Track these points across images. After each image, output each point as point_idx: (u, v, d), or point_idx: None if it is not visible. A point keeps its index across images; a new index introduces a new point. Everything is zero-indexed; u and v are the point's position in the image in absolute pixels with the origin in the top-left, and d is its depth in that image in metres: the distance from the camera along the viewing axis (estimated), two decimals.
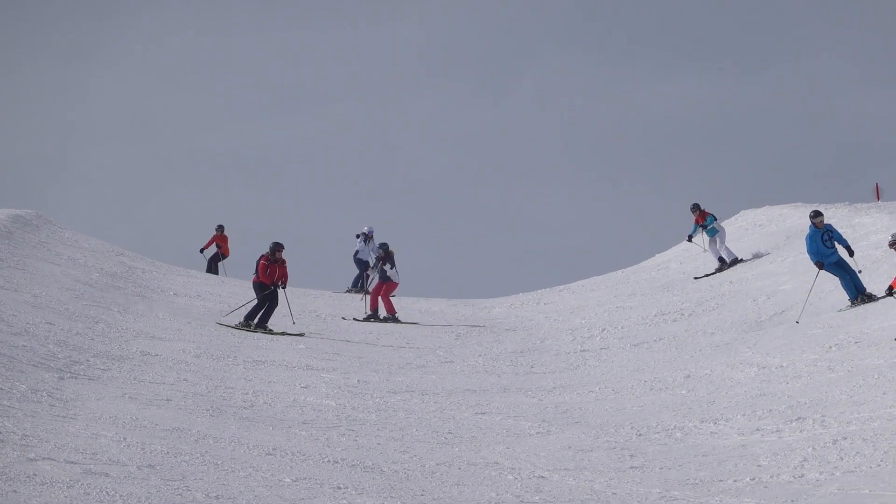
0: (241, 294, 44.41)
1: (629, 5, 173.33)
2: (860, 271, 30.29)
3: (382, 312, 34.13)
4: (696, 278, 44.25)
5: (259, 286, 34.89)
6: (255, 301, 34.22)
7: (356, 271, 51.43)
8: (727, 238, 45.01)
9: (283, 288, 35.23)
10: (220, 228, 56.57)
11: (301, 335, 33.23)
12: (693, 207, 44.47)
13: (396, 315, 34.85)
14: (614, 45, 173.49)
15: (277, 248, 34.86)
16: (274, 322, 34.96)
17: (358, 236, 51.69)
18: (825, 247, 31.77)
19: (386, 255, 36.96)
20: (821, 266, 32.56)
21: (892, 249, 28.52)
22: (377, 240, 47.61)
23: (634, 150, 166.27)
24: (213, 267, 56.01)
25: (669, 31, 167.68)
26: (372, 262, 46.34)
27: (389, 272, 35.27)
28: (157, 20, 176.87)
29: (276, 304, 34.15)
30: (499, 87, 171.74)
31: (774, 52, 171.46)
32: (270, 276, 34.42)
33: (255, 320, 33.90)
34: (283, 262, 35.19)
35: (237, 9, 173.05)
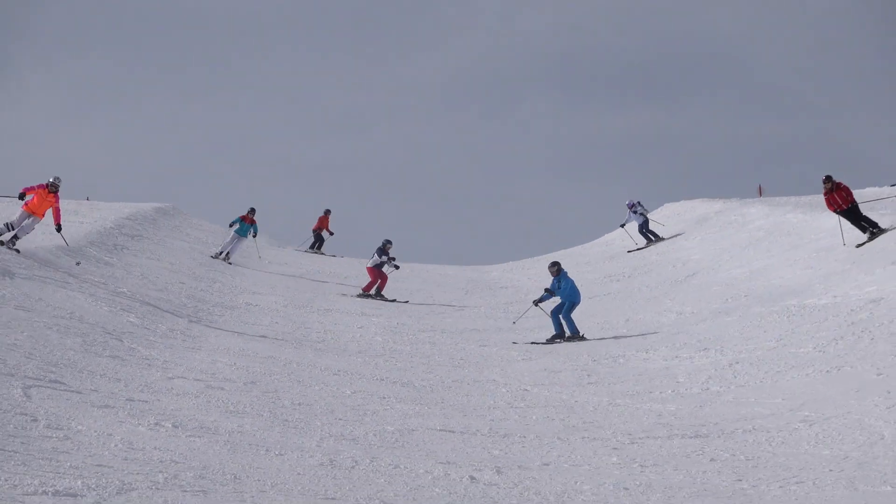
0: (318, 262, 44.35)
1: (592, 57, 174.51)
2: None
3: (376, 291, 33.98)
4: (629, 252, 44.10)
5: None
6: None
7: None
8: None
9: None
10: (327, 212, 51.33)
11: (406, 302, 33.34)
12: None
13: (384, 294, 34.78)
14: (581, 84, 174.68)
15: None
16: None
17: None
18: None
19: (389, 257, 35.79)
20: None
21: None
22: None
23: (594, 160, 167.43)
24: (318, 243, 50.88)
25: (620, 76, 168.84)
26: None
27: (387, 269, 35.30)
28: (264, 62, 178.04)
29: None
30: (500, 111, 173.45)
31: (688, 90, 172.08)
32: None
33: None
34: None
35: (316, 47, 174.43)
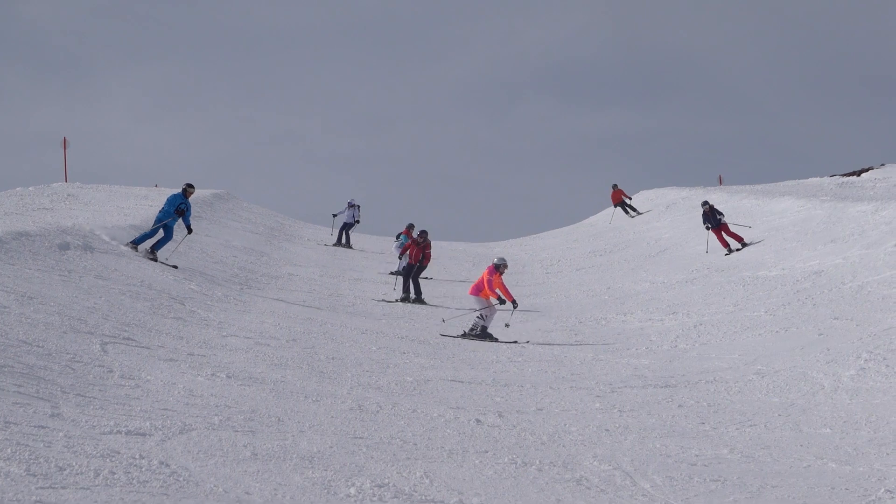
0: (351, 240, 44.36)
1: (580, 66, 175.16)
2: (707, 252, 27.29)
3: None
4: (609, 223, 44.05)
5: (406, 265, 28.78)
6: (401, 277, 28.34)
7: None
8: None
9: (426, 266, 29.38)
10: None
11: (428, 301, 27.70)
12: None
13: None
14: (570, 88, 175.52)
15: (421, 233, 29.47)
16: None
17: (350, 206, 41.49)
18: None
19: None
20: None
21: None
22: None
23: (580, 154, 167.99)
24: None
25: (604, 82, 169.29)
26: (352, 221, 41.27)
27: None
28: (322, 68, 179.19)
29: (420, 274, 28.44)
30: (502, 111, 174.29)
31: (660, 94, 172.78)
32: (415, 257, 28.45)
33: (410, 293, 27.90)
34: (427, 244, 29.29)
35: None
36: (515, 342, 21.00)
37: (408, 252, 29.56)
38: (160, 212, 25.89)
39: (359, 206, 41.57)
